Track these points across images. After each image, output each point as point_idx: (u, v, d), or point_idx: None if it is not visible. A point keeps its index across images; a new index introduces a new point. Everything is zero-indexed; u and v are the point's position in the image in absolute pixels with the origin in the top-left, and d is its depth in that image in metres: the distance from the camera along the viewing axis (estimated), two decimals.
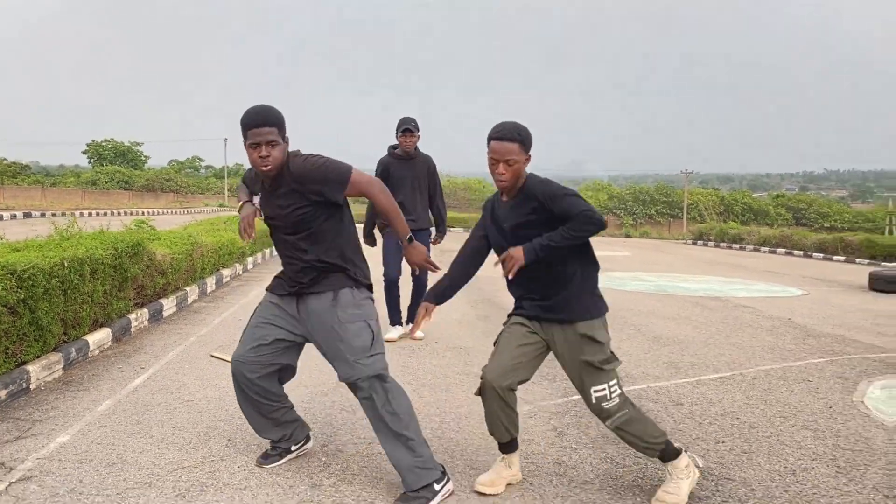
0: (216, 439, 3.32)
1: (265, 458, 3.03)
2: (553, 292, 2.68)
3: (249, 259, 11.00)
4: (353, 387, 2.73)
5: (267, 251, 13.00)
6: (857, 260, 18.80)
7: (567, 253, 2.62)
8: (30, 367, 4.04)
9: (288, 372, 3.02)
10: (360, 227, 3.39)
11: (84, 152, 63.62)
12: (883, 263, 16.99)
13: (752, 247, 24.35)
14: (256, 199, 2.90)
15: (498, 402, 2.69)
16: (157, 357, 4.94)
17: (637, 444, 2.71)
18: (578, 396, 3.29)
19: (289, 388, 3.09)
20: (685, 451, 2.81)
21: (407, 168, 5.64)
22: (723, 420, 3.82)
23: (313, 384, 4.16)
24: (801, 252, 21.41)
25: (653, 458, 2.82)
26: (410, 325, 5.73)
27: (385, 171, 5.66)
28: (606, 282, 10.69)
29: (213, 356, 4.94)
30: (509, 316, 2.85)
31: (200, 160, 73.29)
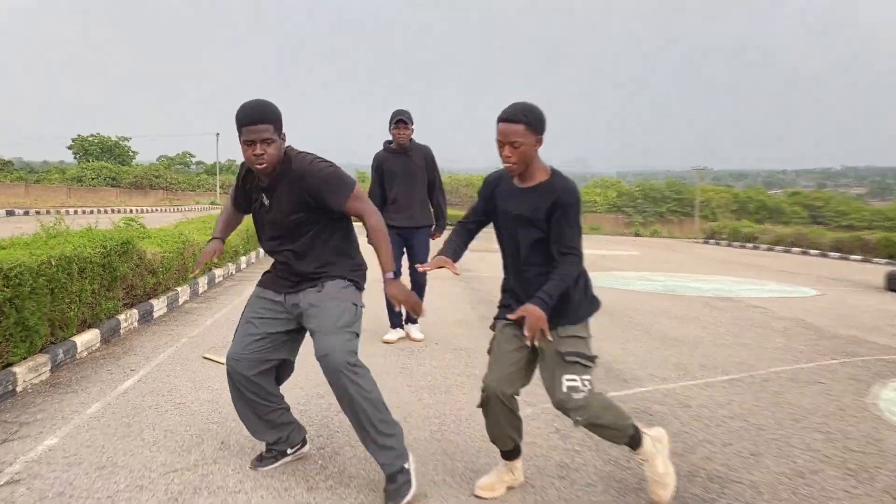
0: (209, 442, 3.24)
1: (260, 461, 2.95)
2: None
3: (242, 258, 10.88)
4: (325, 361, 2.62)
5: (261, 251, 12.88)
6: (875, 259, 18.23)
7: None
8: (16, 369, 3.93)
9: (285, 369, 2.94)
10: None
11: (69, 148, 61.64)
12: None
13: (765, 246, 23.84)
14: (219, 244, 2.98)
15: (504, 410, 2.62)
16: (147, 359, 4.83)
17: (606, 433, 2.60)
18: None
19: (285, 389, 3.01)
20: (644, 433, 2.66)
21: (402, 162, 5.40)
22: (731, 422, 3.76)
23: (309, 386, 4.08)
24: (817, 251, 20.81)
25: (621, 445, 2.69)
26: (410, 327, 5.64)
27: (379, 166, 5.46)
28: (611, 281, 10.60)
29: (205, 358, 4.84)
30: (495, 319, 2.77)
31: (191, 156, 69.93)
